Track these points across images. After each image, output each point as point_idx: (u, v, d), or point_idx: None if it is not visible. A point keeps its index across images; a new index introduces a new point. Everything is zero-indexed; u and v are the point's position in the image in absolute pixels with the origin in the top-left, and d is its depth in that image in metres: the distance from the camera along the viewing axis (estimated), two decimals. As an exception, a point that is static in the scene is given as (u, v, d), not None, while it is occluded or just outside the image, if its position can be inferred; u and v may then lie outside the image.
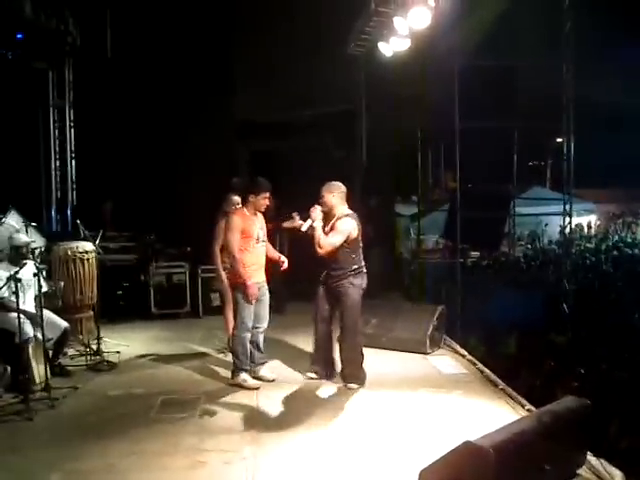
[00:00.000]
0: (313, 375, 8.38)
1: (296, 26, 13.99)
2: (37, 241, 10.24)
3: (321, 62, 13.82)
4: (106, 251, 11.68)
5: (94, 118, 14.60)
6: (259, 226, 8.15)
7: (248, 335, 8.08)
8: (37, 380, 7.87)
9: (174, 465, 5.83)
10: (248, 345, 8.12)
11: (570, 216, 14.08)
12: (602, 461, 5.70)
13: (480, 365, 9.01)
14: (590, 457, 5.68)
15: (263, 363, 8.43)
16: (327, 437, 6.49)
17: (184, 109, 14.45)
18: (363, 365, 8.11)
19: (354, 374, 8.03)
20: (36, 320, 7.89)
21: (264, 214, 8.34)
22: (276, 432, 6.66)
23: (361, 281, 8.02)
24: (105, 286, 10.90)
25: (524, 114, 14.85)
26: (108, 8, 14.84)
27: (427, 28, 10.57)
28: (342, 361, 8.08)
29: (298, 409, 7.40)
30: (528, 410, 7.03)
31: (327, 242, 7.82)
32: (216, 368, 8.97)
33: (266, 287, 8.28)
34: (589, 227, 32.36)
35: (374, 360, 8.61)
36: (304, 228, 7.98)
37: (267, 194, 8.09)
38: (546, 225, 26.72)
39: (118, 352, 9.70)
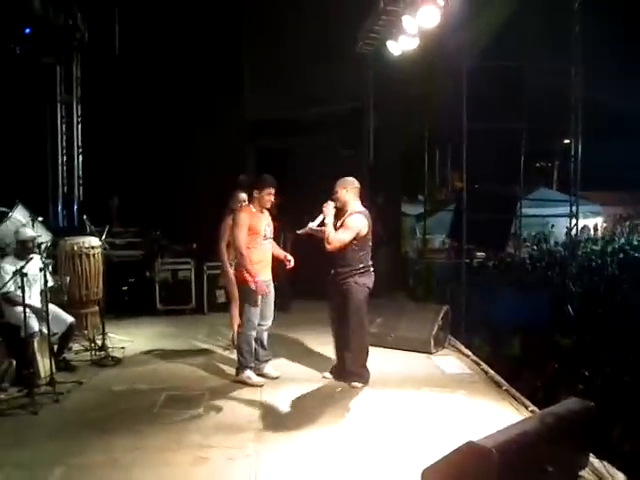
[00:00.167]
0: (327, 375, 8.39)
1: (305, 25, 13.97)
2: (43, 236, 10.25)
3: (330, 61, 13.80)
4: (112, 247, 11.69)
5: (101, 114, 14.62)
6: (266, 223, 8.15)
7: (254, 333, 8.09)
8: (42, 374, 7.90)
9: (177, 461, 5.85)
10: (253, 343, 8.13)
11: (576, 218, 14.07)
12: (605, 463, 5.69)
13: (484, 366, 9.00)
14: (593, 459, 5.67)
15: (267, 361, 8.43)
16: (330, 435, 6.50)
17: (192, 106, 14.45)
18: (367, 364, 8.11)
19: (358, 373, 8.02)
20: (41, 314, 7.91)
21: (268, 211, 8.34)
22: (279, 429, 6.67)
23: (367, 280, 7.98)
24: (111, 282, 10.90)
25: (532, 115, 14.84)
26: (116, 5, 14.84)
27: (436, 27, 10.55)
28: (347, 359, 8.06)
29: (302, 407, 7.41)
30: (532, 411, 7.03)
31: (336, 238, 7.80)
32: (220, 365, 8.97)
33: (272, 285, 8.28)
34: (595, 229, 32.36)
35: (378, 359, 8.62)
36: (315, 224, 7.98)
37: (271, 190, 8.07)
38: (552, 227, 26.77)
39: (123, 347, 9.74)
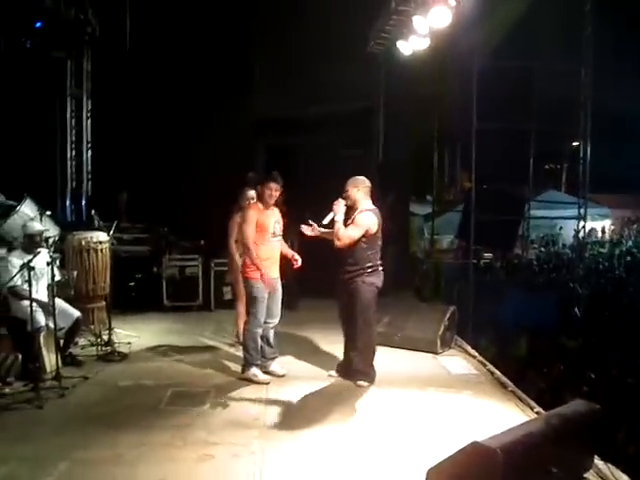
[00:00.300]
0: (333, 373, 8.38)
1: (316, 24, 13.97)
2: (51, 230, 10.24)
3: (340, 60, 13.82)
4: (120, 242, 11.74)
5: (111, 109, 14.66)
6: (275, 220, 8.14)
7: (260, 330, 8.09)
8: (48, 369, 7.90)
9: (182, 457, 5.85)
10: (259, 340, 8.13)
11: (584, 220, 14.05)
12: (609, 466, 5.68)
13: (490, 366, 8.99)
14: (597, 461, 5.66)
15: (274, 358, 8.42)
16: (335, 434, 6.49)
17: (201, 103, 14.48)
18: (373, 363, 8.10)
19: (365, 372, 8.01)
20: (48, 309, 7.91)
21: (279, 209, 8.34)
22: (285, 427, 6.67)
23: (375, 280, 7.96)
24: (118, 277, 10.94)
25: (541, 116, 14.81)
26: (127, 0, 14.88)
27: (447, 28, 10.55)
28: (353, 358, 8.05)
29: (307, 405, 7.41)
30: (537, 413, 7.02)
31: (345, 234, 7.79)
32: (226, 362, 8.97)
33: (279, 283, 8.27)
34: (603, 232, 32.29)
35: (384, 358, 8.60)
36: (326, 221, 7.98)
37: (271, 185, 8.04)
38: (561, 229, 26.71)
39: (129, 343, 9.73)
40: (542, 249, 25.76)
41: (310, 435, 6.45)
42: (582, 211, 13.94)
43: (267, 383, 8.00)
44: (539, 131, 15.33)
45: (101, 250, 10.56)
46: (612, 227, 33.49)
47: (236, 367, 8.49)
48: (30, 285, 7.34)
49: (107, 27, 14.67)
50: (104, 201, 13.62)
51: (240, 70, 14.74)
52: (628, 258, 21.45)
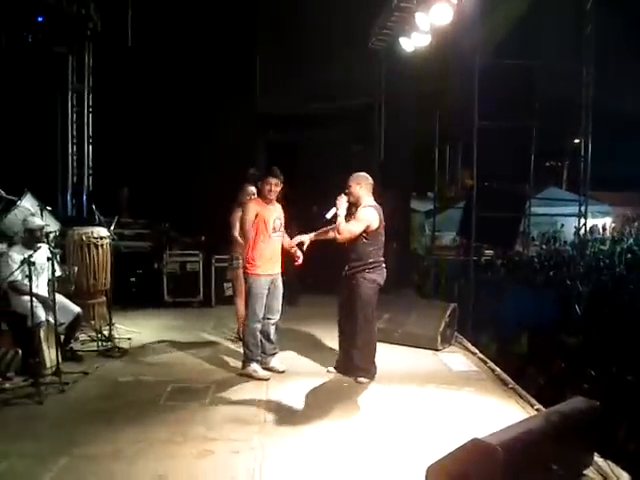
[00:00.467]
0: (332, 369, 8.39)
1: (318, 19, 13.98)
2: (52, 225, 10.25)
3: (342, 56, 13.84)
4: (121, 237, 11.74)
5: (113, 104, 14.64)
6: (276, 216, 8.14)
7: (259, 326, 8.09)
8: (48, 364, 7.90)
9: (182, 453, 5.85)
10: (259, 336, 8.13)
11: (585, 217, 14.05)
12: (609, 462, 5.68)
13: (491, 363, 9.00)
14: (597, 458, 5.66)
15: (274, 354, 8.42)
16: (335, 430, 6.49)
17: (203, 99, 14.48)
18: (374, 359, 8.10)
19: (365, 368, 8.01)
20: (48, 304, 7.91)
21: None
22: (285, 423, 6.67)
23: (376, 276, 7.96)
24: (119, 272, 10.94)
25: (543, 114, 14.81)
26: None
27: (449, 25, 10.55)
28: (354, 355, 8.05)
29: (307, 401, 7.41)
30: (537, 410, 7.03)
31: (346, 229, 7.81)
32: (226, 358, 8.98)
33: (280, 279, 8.27)
34: (604, 229, 32.31)
35: (385, 355, 8.59)
36: (329, 216, 7.98)
37: (271, 180, 8.03)
38: (562, 226, 26.72)
39: (129, 339, 9.75)
40: (543, 246, 25.77)
41: (310, 431, 6.45)
42: (583, 208, 13.94)
43: (267, 379, 8.00)
44: (540, 129, 15.31)
45: (102, 245, 10.55)
46: (613, 225, 33.51)
47: (236, 363, 8.49)
48: (30, 280, 7.32)
49: (109, 22, 14.64)
50: (105, 196, 13.59)
51: (242, 67, 14.74)
52: (629, 255, 21.48)
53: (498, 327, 12.14)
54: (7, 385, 7.50)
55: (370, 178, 8.11)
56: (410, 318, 9.95)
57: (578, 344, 11.86)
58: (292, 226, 8.80)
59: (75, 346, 8.95)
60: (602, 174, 18.59)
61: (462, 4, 10.26)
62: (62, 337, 8.29)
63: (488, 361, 9.11)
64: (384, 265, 8.07)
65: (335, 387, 7.92)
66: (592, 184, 14.19)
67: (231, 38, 14.53)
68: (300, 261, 8.27)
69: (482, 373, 8.66)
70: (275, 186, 8.06)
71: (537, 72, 15.35)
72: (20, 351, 7.84)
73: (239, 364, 8.32)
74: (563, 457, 5.10)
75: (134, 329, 10.27)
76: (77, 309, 8.56)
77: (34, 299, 7.53)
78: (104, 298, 10.53)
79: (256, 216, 7.97)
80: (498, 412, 7.03)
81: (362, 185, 8.01)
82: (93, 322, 10.11)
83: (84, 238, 10.45)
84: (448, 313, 9.83)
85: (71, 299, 8.68)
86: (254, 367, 8.07)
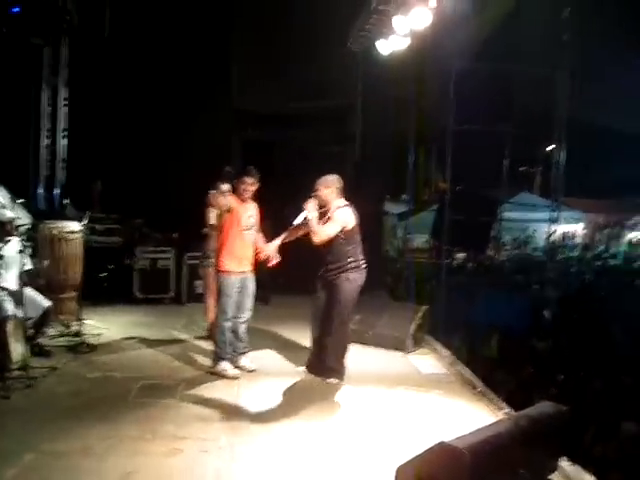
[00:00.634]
0: (302, 369, 8.37)
1: (296, 19, 13.99)
2: (23, 218, 10.14)
3: (319, 57, 13.84)
4: (92, 232, 11.66)
5: (88, 97, 14.52)
6: (250, 213, 8.14)
7: (229, 324, 8.07)
8: (14, 359, 7.81)
9: (151, 451, 5.82)
10: (229, 334, 8.11)
11: (557, 223, 14.15)
12: (576, 467, 5.73)
13: (460, 366, 9.04)
14: (564, 463, 5.70)
15: (244, 353, 8.40)
16: (305, 430, 6.50)
17: (180, 95, 14.42)
18: (344, 360, 8.10)
19: (336, 369, 8.01)
20: (18, 298, 7.84)
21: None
22: (254, 422, 6.66)
23: (358, 276, 7.96)
24: (89, 267, 10.85)
25: (518, 120, 14.88)
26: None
27: (427, 29, 10.57)
28: (326, 355, 8.04)
29: (277, 401, 7.40)
30: (506, 413, 7.06)
31: (321, 229, 7.79)
32: (197, 355, 8.95)
33: (251, 277, 8.25)
34: (575, 236, 32.50)
35: (356, 356, 8.60)
36: (297, 221, 7.97)
37: (246, 180, 8.05)
38: (535, 231, 26.84)
39: (99, 334, 9.69)
40: (514, 251, 25.89)
41: (280, 431, 6.45)
42: (554, 214, 14.04)
43: (237, 378, 7.99)
44: (515, 134, 15.39)
45: (73, 240, 10.47)
46: (584, 231, 33.73)
47: (206, 361, 8.47)
48: (-1, 273, 7.27)
49: (86, 15, 14.53)
50: (78, 190, 13.51)
51: (219, 64, 14.71)
52: (598, 262, 21.68)
53: (469, 330, 12.17)
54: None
55: (339, 181, 8.08)
56: (382, 320, 9.99)
57: (547, 349, 11.92)
58: (266, 226, 8.78)
59: (44, 341, 8.84)
60: (576, 181, 18.72)
61: (440, 8, 10.29)
62: (31, 332, 8.20)
63: (458, 364, 9.15)
64: (364, 265, 8.07)
65: (305, 387, 7.93)
66: (565, 190, 14.29)
67: (208, 34, 14.49)
68: (274, 262, 8.28)
69: (452, 376, 8.70)
70: (251, 185, 8.07)
71: (514, 78, 15.42)
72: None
73: (209, 362, 8.31)
74: (530, 461, 5.12)
75: (103, 325, 10.22)
76: (47, 303, 8.48)
77: (3, 292, 7.46)
78: (74, 293, 10.45)
79: (229, 210, 7.97)
80: (467, 415, 7.07)
81: (331, 189, 8.00)
82: (62, 317, 10.01)
83: (55, 232, 10.37)
84: (419, 315, 9.90)
85: (41, 293, 8.60)
86: (224, 365, 8.06)
